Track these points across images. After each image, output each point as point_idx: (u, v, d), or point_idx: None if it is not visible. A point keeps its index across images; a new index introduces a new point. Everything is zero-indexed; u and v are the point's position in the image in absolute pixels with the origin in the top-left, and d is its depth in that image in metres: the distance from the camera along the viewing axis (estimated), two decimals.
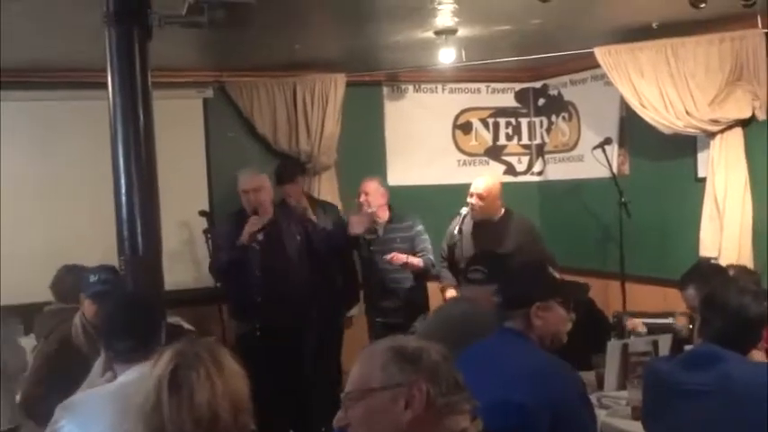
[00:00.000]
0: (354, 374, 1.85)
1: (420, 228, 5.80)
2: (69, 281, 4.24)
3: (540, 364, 2.59)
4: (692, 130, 5.43)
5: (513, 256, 4.78)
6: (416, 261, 5.64)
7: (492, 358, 2.61)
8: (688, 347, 3.30)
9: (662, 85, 5.44)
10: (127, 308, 2.93)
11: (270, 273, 5.18)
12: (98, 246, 4.83)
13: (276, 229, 5.31)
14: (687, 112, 5.36)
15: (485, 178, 5.72)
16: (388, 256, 5.56)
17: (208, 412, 2.01)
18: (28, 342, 4.68)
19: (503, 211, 5.65)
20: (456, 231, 5.49)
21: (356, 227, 5.40)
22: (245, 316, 5.30)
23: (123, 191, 3.53)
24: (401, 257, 5.58)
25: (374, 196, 5.74)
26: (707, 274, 4.04)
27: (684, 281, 4.11)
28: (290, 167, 6.03)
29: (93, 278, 3.59)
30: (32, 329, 4.87)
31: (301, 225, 5.46)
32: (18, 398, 3.70)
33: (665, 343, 3.75)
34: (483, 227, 5.57)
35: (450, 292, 5.50)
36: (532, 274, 2.95)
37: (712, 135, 5.37)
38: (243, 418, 2.07)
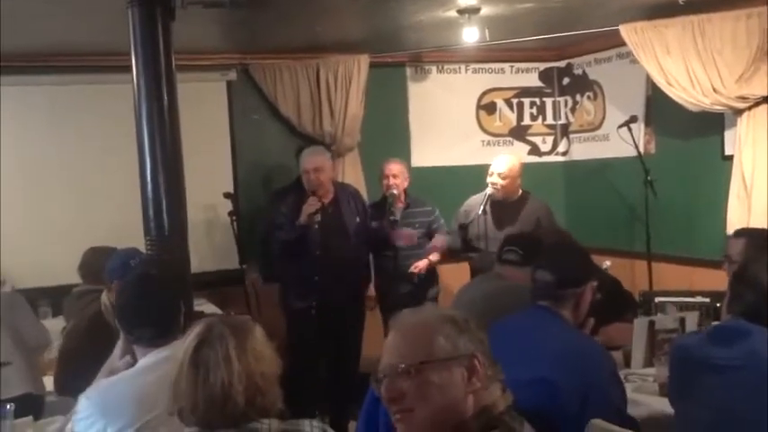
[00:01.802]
0: (406, 346, 1.81)
1: (438, 212, 5.85)
2: (96, 262, 4.26)
3: (573, 342, 2.60)
4: (719, 108, 5.36)
5: (553, 237, 4.78)
6: (439, 244, 5.66)
7: (524, 334, 2.62)
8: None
9: (688, 62, 5.38)
10: (146, 294, 2.88)
11: (329, 251, 5.28)
12: (124, 228, 4.87)
13: (337, 208, 5.42)
14: (714, 90, 5.30)
15: (506, 157, 5.73)
16: (413, 268, 5.62)
17: (221, 392, 2.01)
18: (57, 324, 4.72)
19: (520, 192, 5.66)
20: (480, 211, 5.46)
21: (403, 240, 5.55)
22: (302, 294, 5.37)
23: (149, 171, 3.56)
24: (422, 265, 5.64)
25: (401, 179, 5.75)
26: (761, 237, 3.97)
27: (740, 232, 4.10)
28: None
29: (133, 262, 3.58)
30: (61, 312, 4.95)
31: (361, 204, 5.62)
32: (52, 377, 3.74)
33: (692, 320, 3.72)
34: (500, 207, 5.56)
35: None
36: (584, 254, 2.99)
37: (739, 112, 5.30)
38: (263, 401, 2.06)
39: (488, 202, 5.50)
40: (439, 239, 5.71)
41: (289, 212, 5.33)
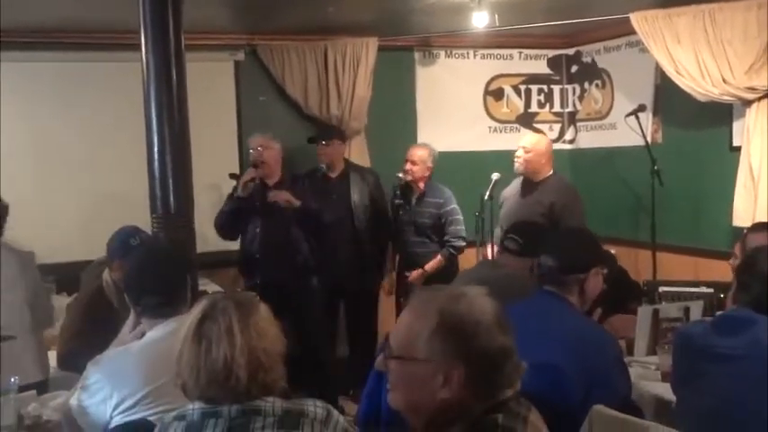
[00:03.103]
0: (401, 331, 1.81)
1: (452, 206, 5.75)
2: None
3: (579, 327, 2.61)
4: (729, 98, 5.35)
5: (558, 228, 4.77)
6: (434, 264, 5.70)
7: (532, 319, 2.63)
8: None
9: (698, 51, 5.36)
10: (153, 263, 2.94)
11: (269, 230, 5.31)
12: (133, 206, 4.87)
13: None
14: (724, 80, 5.28)
15: (536, 135, 5.85)
16: (410, 278, 5.70)
17: (223, 366, 2.03)
18: (61, 300, 4.73)
19: (550, 172, 5.59)
20: (486, 197, 5.49)
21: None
22: (247, 272, 5.50)
23: (156, 149, 3.55)
24: (415, 275, 5.69)
25: (420, 167, 5.75)
26: None
27: (759, 227, 4.05)
28: (326, 129, 6.07)
29: (133, 241, 3.61)
30: (65, 288, 4.96)
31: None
32: (56, 352, 3.75)
33: (696, 309, 3.72)
34: (527, 185, 5.56)
35: None
36: (590, 240, 2.98)
37: (748, 103, 5.29)
38: (265, 377, 2.08)
39: (511, 184, 5.62)
40: (432, 264, 5.72)
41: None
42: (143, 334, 2.85)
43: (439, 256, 5.70)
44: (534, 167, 5.53)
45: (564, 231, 3.60)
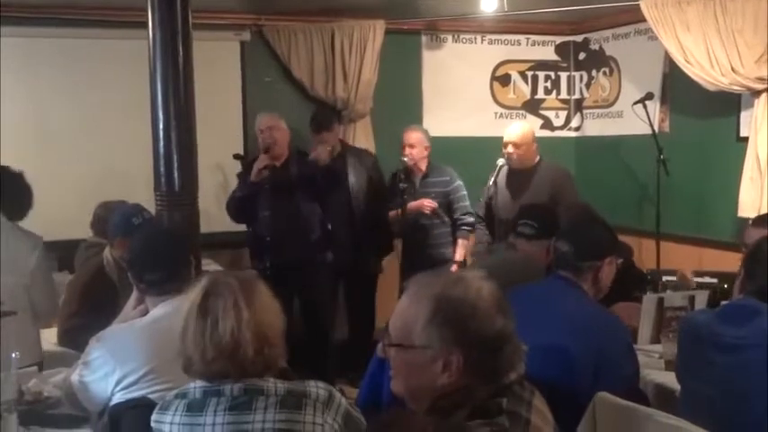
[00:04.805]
0: (398, 319, 1.81)
1: (458, 183, 5.79)
2: (106, 217, 4.25)
3: (590, 313, 2.61)
4: (737, 88, 5.31)
5: (573, 211, 4.76)
6: (463, 251, 5.73)
7: (543, 303, 2.62)
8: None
9: (708, 40, 5.32)
10: (157, 240, 2.95)
11: (278, 211, 5.29)
12: (135, 183, 4.86)
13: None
14: (733, 70, 5.24)
15: (518, 125, 5.71)
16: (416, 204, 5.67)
17: (230, 340, 2.03)
18: (62, 277, 4.72)
19: (537, 158, 5.60)
20: (491, 183, 5.45)
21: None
22: (257, 254, 5.50)
23: (161, 125, 3.53)
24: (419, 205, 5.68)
25: (419, 149, 5.74)
26: None
27: (761, 220, 4.00)
28: (328, 115, 6.02)
29: (136, 220, 3.60)
30: (67, 266, 4.95)
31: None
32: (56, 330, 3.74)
33: (701, 298, 3.70)
34: (517, 175, 5.53)
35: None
36: (606, 228, 3.00)
37: (757, 93, 5.25)
38: (270, 352, 2.08)
39: (499, 174, 5.48)
40: (461, 247, 5.74)
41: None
42: (146, 311, 2.84)
43: (460, 241, 5.74)
44: (526, 158, 5.54)
45: (580, 218, 3.59)
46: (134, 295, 3.05)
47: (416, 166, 5.78)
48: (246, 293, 2.09)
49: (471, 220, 5.74)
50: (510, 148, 5.49)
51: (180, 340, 2.08)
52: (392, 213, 5.74)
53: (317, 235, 5.41)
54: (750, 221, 4.23)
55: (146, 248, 2.87)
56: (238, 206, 5.44)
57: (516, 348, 1.78)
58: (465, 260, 5.72)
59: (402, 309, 1.81)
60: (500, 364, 1.75)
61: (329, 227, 5.50)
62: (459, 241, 5.74)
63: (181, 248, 2.90)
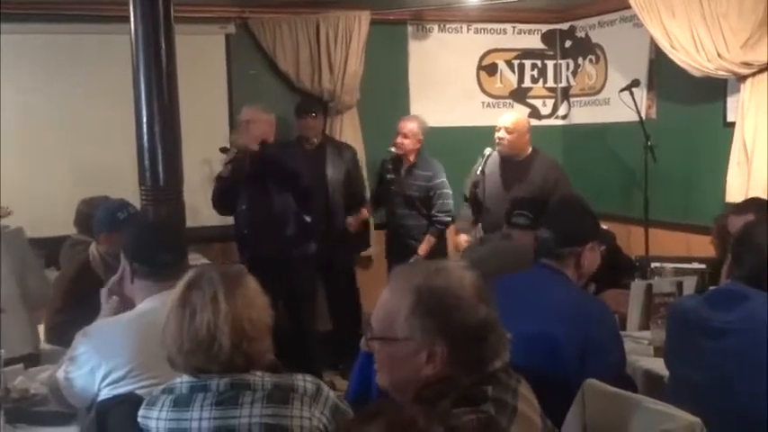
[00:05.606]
0: (380, 311, 1.80)
1: (441, 180, 5.77)
2: (89, 213, 4.23)
3: (576, 300, 2.61)
4: (723, 73, 5.30)
5: (561, 200, 4.77)
6: (427, 246, 5.70)
7: (529, 291, 2.62)
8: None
9: (693, 26, 5.31)
10: (160, 226, 2.98)
11: (256, 205, 5.31)
12: (120, 179, 4.82)
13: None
14: (719, 55, 5.23)
15: (513, 113, 5.76)
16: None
17: (207, 334, 2.02)
18: (49, 274, 4.69)
19: (530, 149, 5.60)
20: (478, 172, 5.44)
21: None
22: (239, 247, 5.55)
23: (145, 120, 3.52)
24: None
25: (411, 141, 5.75)
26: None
27: (744, 207, 4.00)
28: (309, 101, 6.04)
29: (121, 215, 3.58)
30: (54, 262, 4.92)
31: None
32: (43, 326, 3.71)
33: (689, 284, 3.70)
34: (508, 166, 5.52)
35: (462, 238, 5.51)
36: (587, 214, 3.00)
37: (743, 79, 5.24)
38: (250, 348, 2.06)
39: (487, 163, 5.47)
40: (426, 243, 5.72)
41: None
42: (119, 303, 2.82)
43: (428, 236, 5.71)
44: (518, 147, 5.53)
45: (561, 205, 3.58)
46: (104, 291, 2.99)
47: (405, 157, 5.78)
48: (228, 287, 2.07)
49: (447, 220, 5.74)
50: (502, 133, 5.50)
51: (162, 332, 2.08)
52: (349, 219, 5.89)
53: (292, 229, 5.38)
54: (731, 210, 4.21)
55: (155, 231, 2.86)
56: (216, 200, 5.47)
57: (500, 336, 1.77)
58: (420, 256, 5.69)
59: (384, 301, 1.80)
60: (484, 353, 1.74)
61: (308, 219, 5.46)
62: (427, 237, 5.73)
63: (180, 235, 2.90)
